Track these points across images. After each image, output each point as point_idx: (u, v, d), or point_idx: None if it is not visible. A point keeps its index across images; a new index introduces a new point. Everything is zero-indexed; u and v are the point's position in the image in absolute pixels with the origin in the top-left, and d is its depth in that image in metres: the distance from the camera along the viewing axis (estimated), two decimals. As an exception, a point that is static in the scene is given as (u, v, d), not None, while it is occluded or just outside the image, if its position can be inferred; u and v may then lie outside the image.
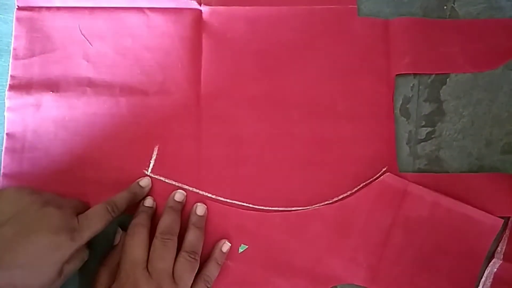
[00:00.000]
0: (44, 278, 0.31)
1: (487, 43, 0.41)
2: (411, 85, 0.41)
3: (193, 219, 0.37)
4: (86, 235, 0.33)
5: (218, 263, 0.37)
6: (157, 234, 0.35)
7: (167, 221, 0.36)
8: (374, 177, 0.39)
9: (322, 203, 0.39)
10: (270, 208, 0.39)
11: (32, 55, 0.40)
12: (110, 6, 0.40)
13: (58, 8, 0.40)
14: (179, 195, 0.38)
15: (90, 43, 0.40)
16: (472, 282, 0.39)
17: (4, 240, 0.30)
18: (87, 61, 0.40)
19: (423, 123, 0.41)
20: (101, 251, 0.38)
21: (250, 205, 0.39)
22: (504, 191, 0.39)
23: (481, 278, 0.39)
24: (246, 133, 0.40)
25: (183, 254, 0.35)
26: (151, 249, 0.34)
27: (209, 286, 0.36)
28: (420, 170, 0.40)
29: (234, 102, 0.40)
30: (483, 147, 0.41)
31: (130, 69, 0.40)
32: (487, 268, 0.39)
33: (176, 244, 0.35)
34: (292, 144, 0.40)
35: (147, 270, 0.33)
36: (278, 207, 0.39)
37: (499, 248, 0.39)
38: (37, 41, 0.40)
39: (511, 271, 0.39)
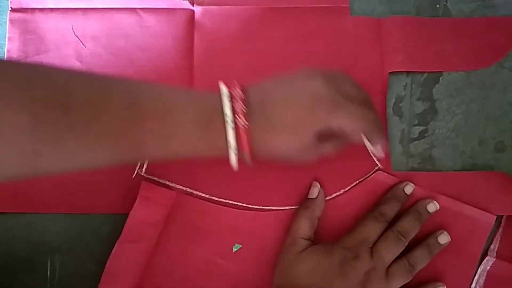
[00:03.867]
0: (300, 140, 0.32)
1: (480, 41, 0.41)
2: (404, 84, 0.41)
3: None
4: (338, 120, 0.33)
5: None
6: (394, 228, 0.36)
7: (409, 224, 0.36)
8: (367, 176, 0.39)
9: (315, 202, 0.39)
10: (264, 207, 0.39)
11: (26, 57, 0.40)
12: (103, 7, 0.41)
13: (51, 9, 0.40)
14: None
15: (83, 44, 0.40)
16: (467, 280, 0.39)
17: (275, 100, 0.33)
18: (81, 62, 0.40)
19: (416, 121, 0.41)
20: (100, 251, 0.38)
21: (244, 205, 0.39)
22: (497, 189, 0.39)
23: (475, 275, 0.39)
24: (239, 133, 0.40)
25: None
26: (383, 235, 0.35)
27: (411, 272, 0.35)
28: (413, 169, 0.40)
29: (227, 102, 0.40)
30: (476, 146, 0.41)
31: (123, 70, 0.40)
32: (481, 266, 0.39)
33: (404, 248, 0.35)
34: (285, 144, 0.40)
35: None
36: (272, 206, 0.39)
37: (492, 246, 0.39)
38: (31, 43, 0.40)
39: (504, 268, 0.39)
